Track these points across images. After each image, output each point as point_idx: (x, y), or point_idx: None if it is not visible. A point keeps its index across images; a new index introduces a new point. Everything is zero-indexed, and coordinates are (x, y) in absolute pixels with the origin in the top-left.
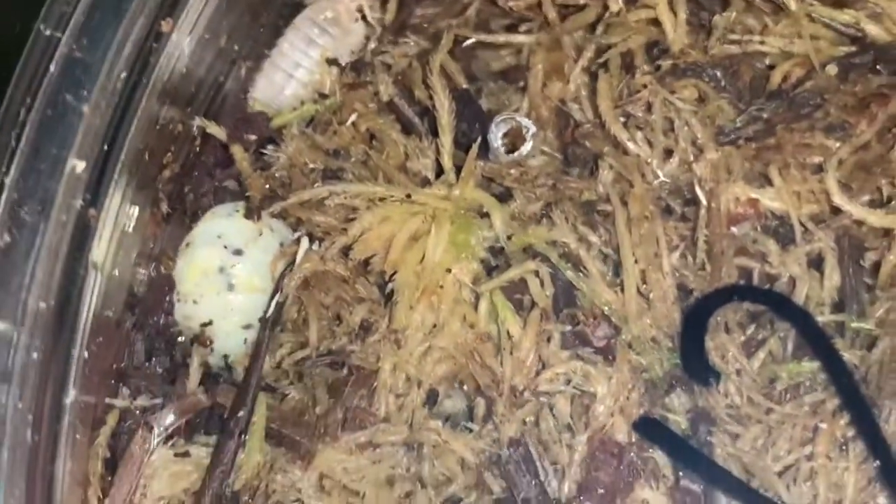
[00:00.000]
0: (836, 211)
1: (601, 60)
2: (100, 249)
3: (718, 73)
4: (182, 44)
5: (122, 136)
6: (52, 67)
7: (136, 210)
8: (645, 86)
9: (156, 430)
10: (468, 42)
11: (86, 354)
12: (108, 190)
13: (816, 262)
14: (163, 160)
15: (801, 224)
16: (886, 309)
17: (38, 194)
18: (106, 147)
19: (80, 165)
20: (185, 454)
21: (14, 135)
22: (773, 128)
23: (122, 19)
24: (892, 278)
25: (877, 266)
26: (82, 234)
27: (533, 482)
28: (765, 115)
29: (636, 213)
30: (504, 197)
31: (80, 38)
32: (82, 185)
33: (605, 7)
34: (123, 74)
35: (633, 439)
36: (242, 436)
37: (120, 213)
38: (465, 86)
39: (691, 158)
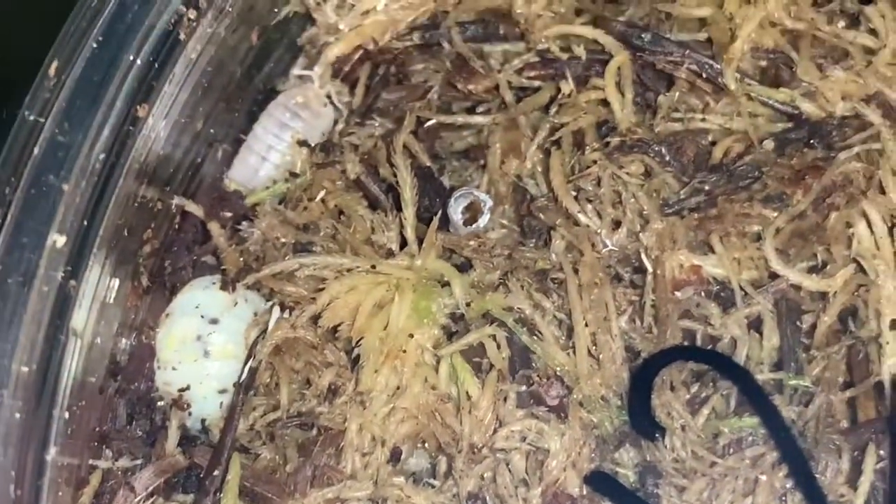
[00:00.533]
0: (774, 276)
1: (554, 139)
2: (80, 318)
3: (663, 149)
4: (158, 128)
5: (100, 214)
6: (35, 150)
7: (116, 283)
8: (595, 161)
9: (136, 490)
10: (430, 123)
11: (66, 415)
12: (87, 263)
13: (756, 324)
14: (143, 236)
15: (742, 288)
16: (822, 367)
17: (22, 266)
18: (85, 223)
19: (61, 240)
20: None
21: (0, 212)
22: (715, 199)
23: (100, 105)
24: (826, 338)
25: (813, 327)
26: (63, 304)
27: None
28: (707, 188)
29: (587, 280)
30: (464, 267)
31: (62, 123)
32: (63, 259)
33: (558, 89)
34: (102, 156)
35: (585, 492)
36: (218, 494)
37: (100, 285)
38: (427, 164)
39: (638, 229)
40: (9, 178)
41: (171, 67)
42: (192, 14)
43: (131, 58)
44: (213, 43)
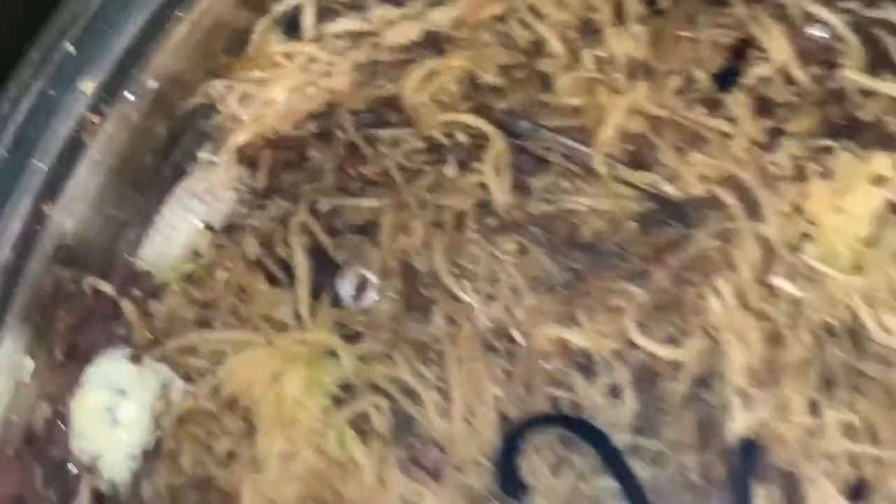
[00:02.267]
0: (634, 347)
1: (438, 221)
2: None
3: (537, 230)
4: (66, 221)
5: (10, 303)
6: None
7: (31, 363)
8: (474, 241)
9: None
10: (326, 207)
11: None
12: None
13: (617, 392)
14: (56, 315)
15: (604, 359)
16: (676, 431)
17: None
18: None
19: None
20: None
21: None
22: (583, 276)
23: (5, 206)
24: (680, 404)
25: (667, 392)
26: None
27: None
28: (576, 266)
29: (464, 352)
30: (353, 339)
31: None
32: None
33: (442, 173)
34: (9, 252)
35: None
36: None
37: (15, 367)
38: (323, 242)
39: (512, 304)
40: None
41: (75, 169)
42: (95, 118)
43: (37, 163)
44: (119, 141)
